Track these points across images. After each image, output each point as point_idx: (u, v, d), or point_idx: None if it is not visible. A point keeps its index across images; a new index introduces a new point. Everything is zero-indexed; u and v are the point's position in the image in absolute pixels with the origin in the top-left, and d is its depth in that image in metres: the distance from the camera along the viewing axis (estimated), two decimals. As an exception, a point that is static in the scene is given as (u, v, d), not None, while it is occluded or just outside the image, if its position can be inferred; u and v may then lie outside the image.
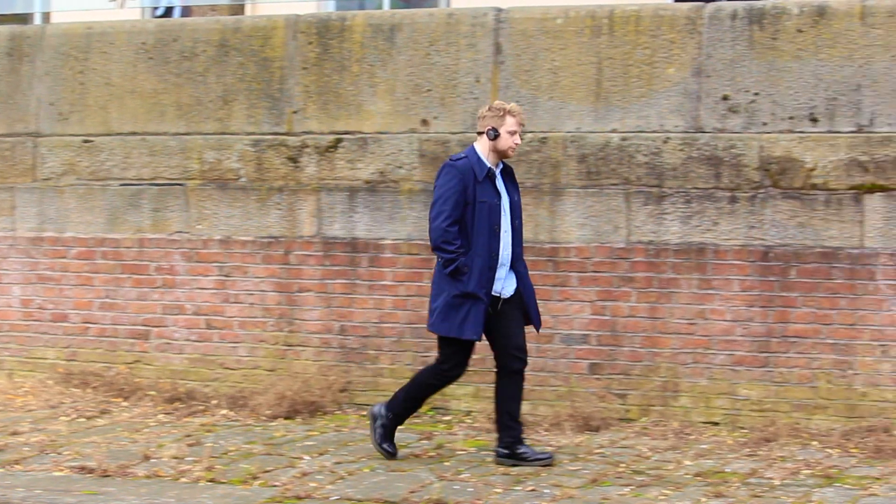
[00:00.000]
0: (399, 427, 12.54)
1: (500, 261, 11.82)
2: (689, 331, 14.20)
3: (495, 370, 12.27)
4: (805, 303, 13.94)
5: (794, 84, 13.98)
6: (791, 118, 13.97)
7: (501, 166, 12.09)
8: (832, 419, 13.76)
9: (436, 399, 14.05)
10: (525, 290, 12.22)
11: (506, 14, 14.83)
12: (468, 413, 14.57)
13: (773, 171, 14.00)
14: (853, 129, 13.85)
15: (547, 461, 12.02)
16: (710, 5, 14.35)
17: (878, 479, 11.65)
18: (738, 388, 14.04)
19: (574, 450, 12.88)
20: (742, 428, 13.80)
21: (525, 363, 12.16)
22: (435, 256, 12.13)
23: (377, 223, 15.13)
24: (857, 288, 13.79)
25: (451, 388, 14.04)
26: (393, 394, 12.62)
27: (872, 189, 13.77)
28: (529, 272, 13.04)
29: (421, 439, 13.41)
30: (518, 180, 13.63)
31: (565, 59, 14.62)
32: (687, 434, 13.56)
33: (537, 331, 12.55)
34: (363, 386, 15.18)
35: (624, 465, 12.20)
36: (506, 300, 12.01)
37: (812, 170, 13.94)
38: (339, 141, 15.29)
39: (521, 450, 12.12)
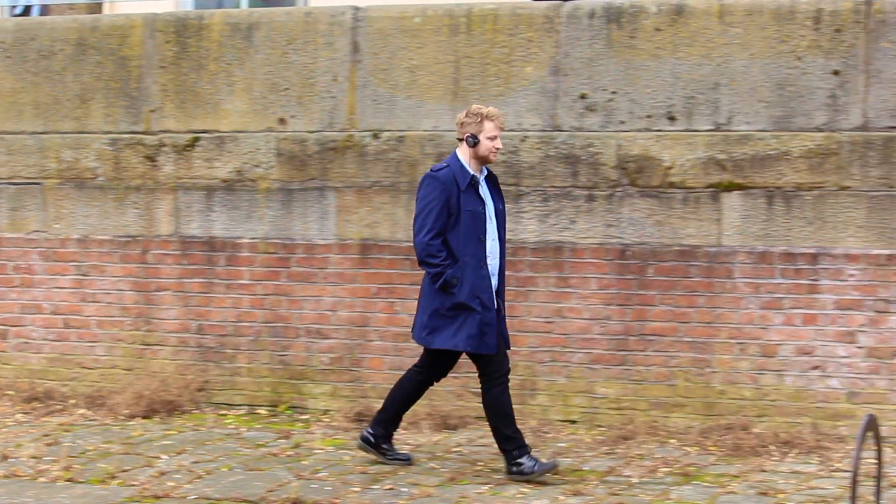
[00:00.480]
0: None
1: (489, 270, 10.06)
2: (546, 329, 12.43)
3: (481, 384, 10.25)
4: (663, 301, 12.14)
5: (651, 83, 12.19)
6: (649, 117, 12.16)
7: (485, 173, 10.26)
8: (690, 417, 12.10)
9: (294, 398, 12.89)
10: (501, 304, 10.38)
11: (363, 13, 12.98)
12: (326, 412, 12.75)
13: (631, 170, 12.18)
14: (711, 127, 12.07)
15: (552, 468, 10.09)
16: (568, 4, 12.61)
17: (736, 476, 10.27)
18: (595, 387, 12.29)
19: (432, 448, 11.34)
20: (600, 426, 12.12)
21: (508, 371, 10.27)
22: (422, 267, 10.20)
23: (234, 222, 13.19)
24: (714, 286, 12.00)
25: (309, 387, 12.88)
26: (375, 413, 10.84)
27: (730, 187, 11.99)
28: (392, 271, 12.21)
29: (279, 438, 11.81)
30: (375, 178, 12.37)
31: (423, 57, 12.73)
32: (545, 432, 11.92)
33: (508, 348, 10.55)
34: (221, 385, 13.25)
35: (482, 463, 10.77)
36: None
37: (670, 168, 12.12)
38: (196, 140, 13.28)
39: (385, 446, 10.59)
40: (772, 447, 11.09)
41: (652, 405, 12.04)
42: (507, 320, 10.95)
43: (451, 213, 9.79)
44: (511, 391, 11.66)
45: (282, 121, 12.93)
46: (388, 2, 13.07)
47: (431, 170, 10.05)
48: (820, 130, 11.77)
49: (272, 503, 9.49)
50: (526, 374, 12.32)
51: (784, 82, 11.89)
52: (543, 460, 10.24)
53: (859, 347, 11.64)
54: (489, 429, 10.33)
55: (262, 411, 12.77)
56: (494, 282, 10.02)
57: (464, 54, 12.50)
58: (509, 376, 10.25)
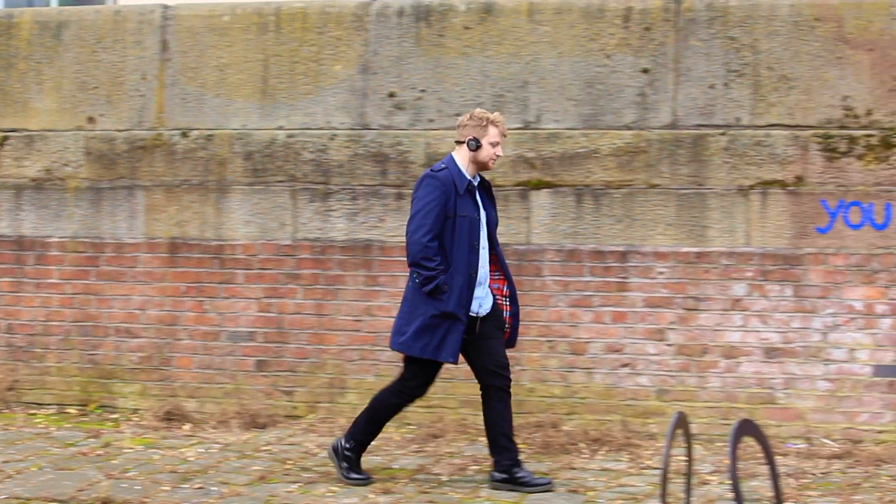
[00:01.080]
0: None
1: (478, 279, 7.91)
2: (355, 327, 10.06)
3: (480, 392, 8.07)
4: None
5: (460, 81, 9.87)
6: (457, 115, 9.34)
7: (479, 179, 8.08)
8: None
9: (103, 397, 10.36)
10: (513, 308, 8.10)
11: (173, 11, 10.45)
12: (135, 411, 10.27)
13: None
14: (520, 125, 9.77)
15: (547, 487, 7.91)
16: (377, 2, 10.23)
17: (546, 473, 8.26)
18: None
19: (242, 447, 9.19)
20: (409, 424, 9.78)
21: (510, 380, 8.10)
22: (410, 271, 7.89)
23: (44, 221, 10.53)
24: (524, 284, 9.58)
25: (119, 387, 10.33)
26: (352, 422, 8.26)
27: (539, 185, 9.72)
28: (201, 269, 9.98)
29: (88, 437, 9.52)
30: (184, 177, 10.04)
31: (232, 56, 10.25)
32: None
33: (512, 347, 8.28)
34: (30, 384, 10.57)
35: (291, 461, 8.76)
36: (482, 318, 7.96)
37: None
38: (5, 139, 10.62)
39: (521, 474, 7.99)
40: (582, 445, 9.07)
41: (461, 403, 9.80)
42: (318, 319, 9.54)
43: (446, 217, 7.76)
44: (320, 390, 10.20)
45: (91, 119, 10.38)
46: (198, 0, 10.76)
47: (431, 169, 7.92)
48: (629, 128, 9.56)
49: (82, 503, 7.72)
50: (335, 373, 10.05)
51: (593, 80, 9.63)
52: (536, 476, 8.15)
53: (669, 345, 9.51)
54: (295, 428, 8.32)
55: (72, 410, 10.35)
56: (481, 291, 7.86)
57: (273, 53, 10.14)
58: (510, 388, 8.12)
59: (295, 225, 10.04)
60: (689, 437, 5.40)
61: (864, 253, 9.30)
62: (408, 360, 8.09)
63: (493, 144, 7.86)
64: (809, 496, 7.91)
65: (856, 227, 9.29)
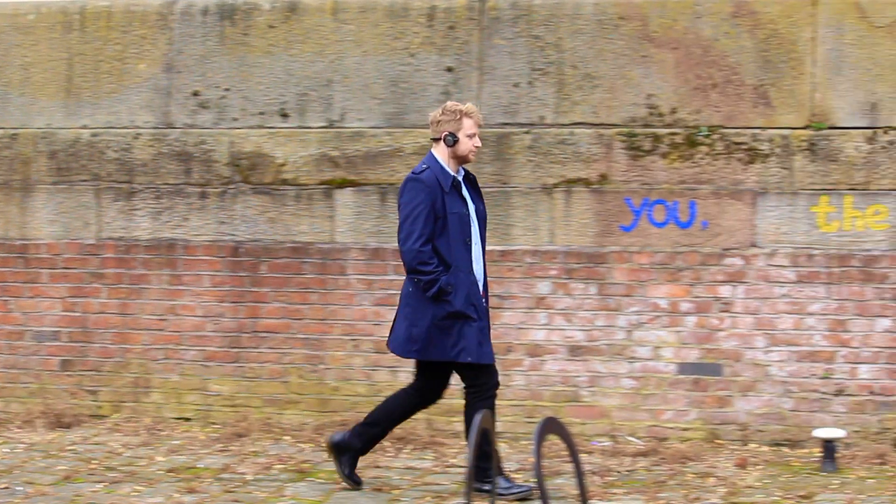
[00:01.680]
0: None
1: (476, 276, 6.14)
2: (159, 327, 7.92)
3: (465, 397, 6.20)
4: (276, 298, 7.71)
5: (264, 79, 7.72)
6: (262, 113, 7.65)
7: (463, 173, 6.22)
8: (305, 414, 7.74)
9: None
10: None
11: None
12: None
13: (244, 167, 7.67)
14: (324, 124, 7.67)
15: (525, 493, 6.10)
16: (182, 1, 7.90)
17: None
18: (209, 384, 7.82)
19: (46, 447, 7.31)
20: (214, 423, 7.78)
21: (498, 385, 6.21)
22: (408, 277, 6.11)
23: None
24: (328, 283, 7.63)
25: None
26: (358, 422, 6.35)
27: (343, 184, 7.61)
28: (5, 269, 7.84)
29: None
30: None
31: (37, 55, 8.02)
32: (159, 430, 7.70)
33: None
34: None
35: (96, 461, 6.97)
36: None
37: (283, 165, 7.63)
38: None
39: (507, 485, 6.16)
40: (386, 443, 7.06)
41: (266, 402, 7.73)
42: (123, 318, 7.56)
43: (437, 217, 6.01)
44: (125, 389, 8.01)
45: None
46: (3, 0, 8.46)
47: (412, 172, 6.14)
48: None
49: None
50: (140, 372, 7.89)
51: (397, 79, 7.58)
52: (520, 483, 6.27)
53: None
54: (100, 427, 6.55)
55: None
56: (480, 287, 6.19)
57: (77, 52, 7.92)
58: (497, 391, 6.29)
59: (99, 224, 7.88)
60: (493, 435, 4.77)
61: (669, 251, 7.39)
62: (423, 367, 6.20)
63: (471, 136, 6.08)
64: (615, 494, 6.40)
65: (660, 225, 7.38)
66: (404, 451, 7.25)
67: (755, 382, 7.35)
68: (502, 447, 7.16)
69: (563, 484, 6.37)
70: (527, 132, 7.48)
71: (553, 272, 7.47)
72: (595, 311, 7.42)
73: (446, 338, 6.02)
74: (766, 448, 7.33)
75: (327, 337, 7.60)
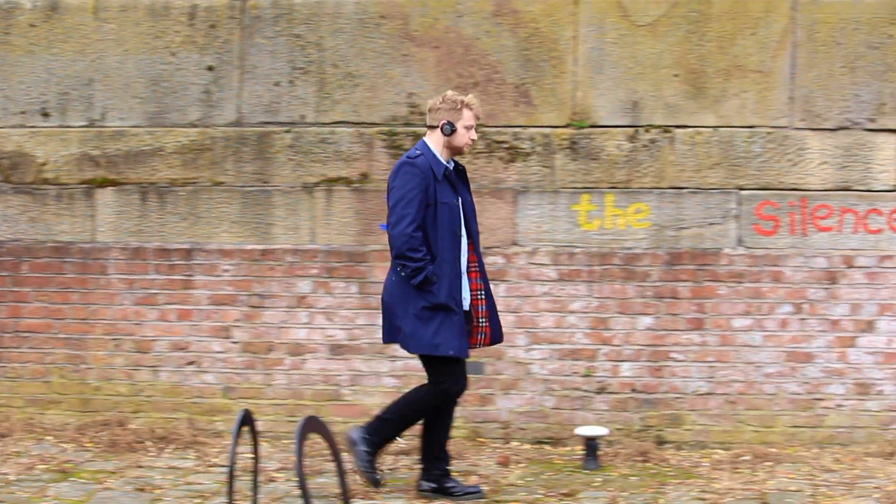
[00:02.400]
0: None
1: (461, 268, 5.60)
2: None
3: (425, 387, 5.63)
4: (37, 298, 6.91)
5: (26, 79, 6.91)
6: (23, 113, 6.90)
7: (453, 164, 5.65)
8: (67, 414, 6.90)
9: None
10: (489, 302, 5.80)
11: None
12: None
13: (5, 166, 6.92)
14: (85, 123, 6.86)
15: (478, 495, 5.76)
16: None
17: (113, 472, 6.19)
18: None
19: None
20: None
21: (465, 388, 5.73)
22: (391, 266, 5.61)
23: None
24: (89, 282, 6.84)
25: None
26: (374, 416, 5.86)
27: (104, 183, 6.87)
28: None
29: None
30: None
31: None
32: None
33: (501, 341, 5.88)
34: None
35: None
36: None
37: (44, 164, 6.88)
38: None
39: (450, 484, 5.77)
40: (148, 443, 6.44)
41: (28, 402, 6.88)
42: None
43: (427, 205, 5.50)
44: None
45: None
46: None
47: (407, 156, 5.54)
48: (194, 126, 6.81)
49: None
50: None
51: (159, 78, 6.83)
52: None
53: (234, 342, 6.73)
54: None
55: None
56: (464, 281, 5.62)
57: None
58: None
59: None
60: (255, 434, 4.36)
61: None
62: (424, 362, 5.72)
63: (468, 128, 5.53)
64: (377, 493, 5.61)
65: None
66: (166, 450, 6.46)
67: (517, 381, 6.60)
68: (264, 446, 6.93)
69: (325, 483, 5.72)
70: (287, 131, 6.75)
71: (314, 271, 6.73)
72: (356, 310, 6.69)
73: (426, 329, 5.44)
74: (528, 446, 6.55)
75: (89, 336, 6.86)
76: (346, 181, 6.44)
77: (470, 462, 6.23)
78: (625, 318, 6.42)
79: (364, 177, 6.43)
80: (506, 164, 6.44)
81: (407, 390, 5.71)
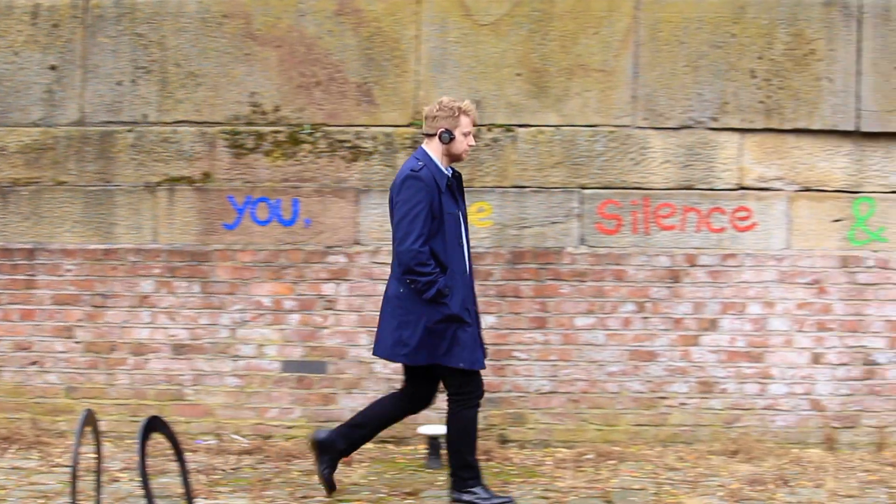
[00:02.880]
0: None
1: (470, 278, 5.52)
2: None
3: (401, 390, 5.71)
4: None
5: None
6: None
7: (451, 172, 5.48)
8: None
9: None
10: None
11: None
12: None
13: None
14: None
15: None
16: None
17: None
18: None
19: None
20: None
21: (483, 394, 5.59)
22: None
23: None
24: None
25: None
26: (344, 423, 5.74)
27: None
28: None
29: None
30: None
31: None
32: None
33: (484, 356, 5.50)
34: None
35: None
36: None
37: None
38: None
39: (486, 495, 5.62)
40: None
41: None
42: None
43: (433, 217, 5.34)
44: None
45: None
46: None
47: (411, 169, 5.33)
48: (37, 125, 6.72)
49: None
50: None
51: (1, 77, 6.78)
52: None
53: (77, 342, 6.66)
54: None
55: None
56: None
57: None
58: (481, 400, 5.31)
59: None
60: (98, 434, 4.31)
61: (272, 249, 6.60)
62: (443, 375, 5.47)
63: (466, 134, 5.39)
64: (220, 492, 5.40)
65: (263, 223, 6.62)
66: (9, 451, 6.39)
67: (360, 380, 6.57)
68: (107, 446, 6.86)
69: (168, 483, 5.63)
70: (130, 130, 6.70)
71: (156, 270, 6.68)
72: (199, 310, 6.63)
73: (439, 342, 5.28)
74: (371, 445, 6.33)
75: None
76: (189, 181, 6.38)
77: (313, 461, 6.07)
78: (468, 317, 6.30)
79: (206, 176, 6.36)
80: (348, 163, 6.38)
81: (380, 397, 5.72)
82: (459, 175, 5.44)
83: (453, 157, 5.42)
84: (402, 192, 5.31)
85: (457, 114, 5.41)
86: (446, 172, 5.36)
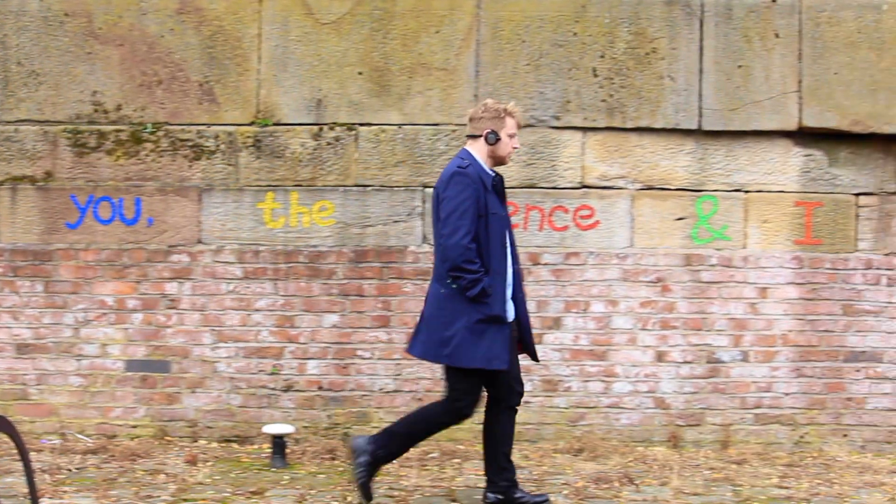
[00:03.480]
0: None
1: (509, 279, 5.32)
2: None
3: (487, 406, 5.41)
4: None
5: None
6: None
7: (494, 174, 5.29)
8: None
9: None
10: (522, 316, 5.46)
11: None
12: None
13: None
14: None
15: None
16: None
17: None
18: None
19: None
20: None
21: (522, 395, 5.47)
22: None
23: None
24: None
25: None
26: (382, 429, 5.49)
27: None
28: None
29: None
30: None
31: None
32: None
33: (537, 361, 5.61)
34: None
35: None
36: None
37: None
38: None
39: (518, 494, 5.46)
40: None
41: None
42: None
43: (479, 216, 5.22)
44: None
45: None
46: None
47: (457, 167, 5.19)
48: None
49: None
50: None
51: None
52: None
53: None
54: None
55: None
56: (509, 292, 5.33)
57: None
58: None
59: None
60: None
61: (115, 248, 6.53)
62: (454, 376, 5.30)
63: (511, 136, 5.27)
64: (65, 492, 5.33)
65: (106, 222, 6.55)
66: None
67: (203, 379, 6.53)
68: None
69: (13, 482, 5.60)
70: None
71: None
72: (42, 309, 6.60)
73: (478, 343, 5.13)
74: (216, 444, 6.50)
75: None
76: (31, 179, 6.31)
77: (158, 461, 6.17)
78: (310, 315, 6.31)
79: (49, 175, 6.29)
80: (190, 162, 6.31)
81: (421, 405, 5.44)
82: (502, 178, 5.30)
83: (497, 160, 5.32)
84: (450, 189, 5.19)
85: (502, 115, 5.31)
86: (491, 173, 5.25)
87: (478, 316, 5.11)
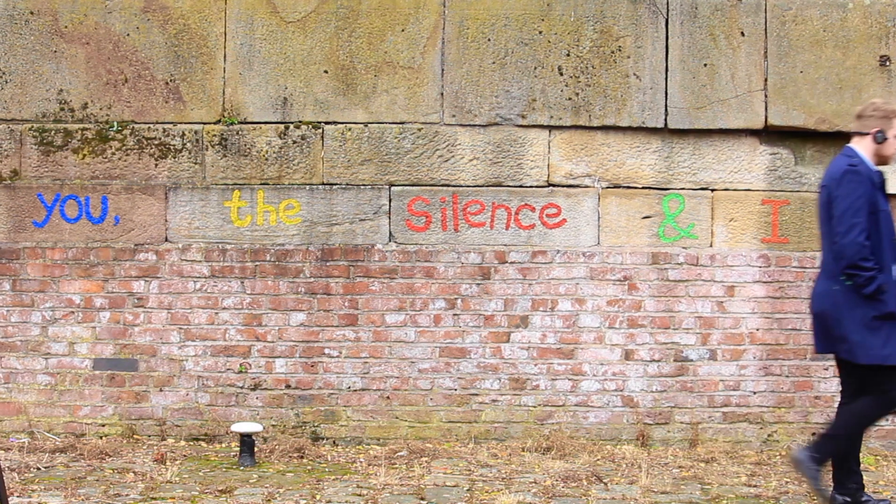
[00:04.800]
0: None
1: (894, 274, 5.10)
2: None
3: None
4: None
5: None
6: None
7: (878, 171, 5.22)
8: None
9: None
10: None
11: None
12: None
13: None
14: None
15: None
16: None
17: None
18: None
19: None
20: None
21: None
22: None
23: None
24: None
25: None
26: (819, 435, 5.31)
27: None
28: None
29: None
30: None
31: None
32: None
33: None
34: None
35: None
36: None
37: None
38: None
39: (864, 498, 5.33)
40: None
41: None
42: None
43: (869, 213, 5.21)
44: None
45: None
46: None
47: (849, 164, 5.17)
48: None
49: None
50: None
51: None
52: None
53: None
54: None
55: None
56: None
57: None
58: None
59: None
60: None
61: (82, 246, 6.45)
62: (867, 374, 5.21)
63: None
64: (34, 490, 5.41)
65: (73, 220, 6.46)
66: None
67: (171, 377, 6.46)
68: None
69: None
70: None
71: None
72: (9, 308, 6.51)
73: (875, 339, 5.06)
74: (184, 443, 6.43)
75: None
76: (-2, 178, 6.17)
77: (126, 459, 6.11)
78: (278, 314, 6.22)
79: (15, 174, 6.20)
80: (156, 160, 6.20)
81: (848, 406, 5.21)
82: (882, 175, 5.25)
83: (882, 159, 5.26)
84: (842, 187, 5.16)
85: (891, 116, 5.26)
86: (877, 171, 5.23)
87: (873, 313, 5.11)
